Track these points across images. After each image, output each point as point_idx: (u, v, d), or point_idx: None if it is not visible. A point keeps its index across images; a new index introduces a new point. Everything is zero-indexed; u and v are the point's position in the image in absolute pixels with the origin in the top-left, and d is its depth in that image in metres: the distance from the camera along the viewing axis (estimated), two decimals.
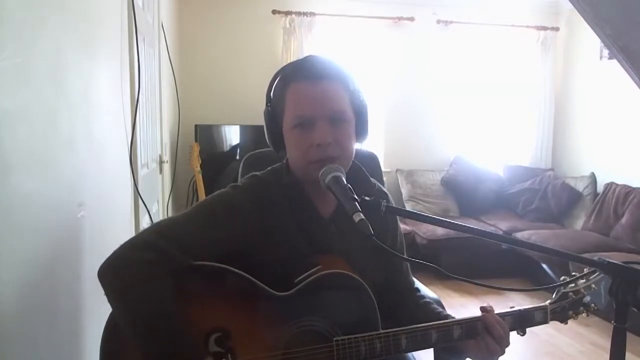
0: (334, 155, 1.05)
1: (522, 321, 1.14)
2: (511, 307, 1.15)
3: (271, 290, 1.03)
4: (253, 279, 1.02)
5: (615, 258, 0.93)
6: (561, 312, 1.18)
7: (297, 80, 1.07)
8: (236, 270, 1.02)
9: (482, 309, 1.10)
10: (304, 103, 1.06)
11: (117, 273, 0.97)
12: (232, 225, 1.07)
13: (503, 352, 1.08)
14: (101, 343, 0.98)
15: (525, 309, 1.15)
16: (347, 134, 1.09)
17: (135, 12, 1.83)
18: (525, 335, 1.15)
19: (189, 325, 0.96)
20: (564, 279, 1.17)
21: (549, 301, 1.19)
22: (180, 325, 0.94)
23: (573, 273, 1.18)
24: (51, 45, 1.12)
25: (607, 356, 0.94)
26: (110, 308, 0.97)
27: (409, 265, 1.30)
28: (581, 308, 1.19)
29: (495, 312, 1.11)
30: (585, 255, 0.98)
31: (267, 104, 1.13)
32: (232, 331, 1.00)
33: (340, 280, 1.06)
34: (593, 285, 1.17)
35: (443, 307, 1.26)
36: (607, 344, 0.95)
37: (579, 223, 4.47)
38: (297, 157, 1.10)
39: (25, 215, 0.96)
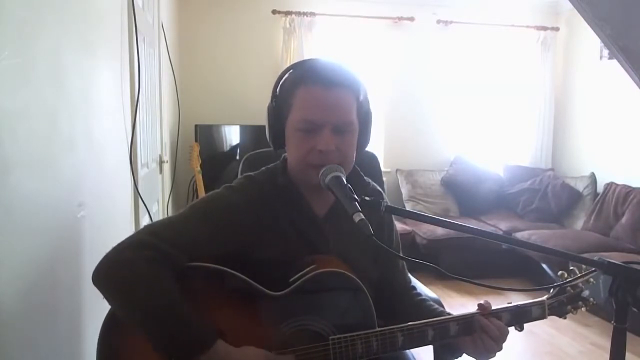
0: (335, 162, 1.05)
1: (519, 317, 1.14)
2: (509, 303, 1.15)
3: (266, 290, 1.03)
4: (247, 279, 1.02)
5: (615, 258, 0.93)
6: (559, 307, 1.18)
7: (309, 83, 1.05)
8: (230, 271, 1.01)
9: (480, 306, 1.11)
10: (313, 108, 1.04)
11: (116, 272, 0.96)
12: (226, 225, 1.06)
13: (500, 349, 1.08)
14: (98, 344, 0.98)
15: (522, 304, 1.15)
16: (350, 143, 1.09)
17: (135, 12, 1.83)
18: (526, 335, 1.15)
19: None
20: (562, 274, 1.17)
21: (546, 296, 1.19)
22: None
23: (571, 268, 1.18)
24: (51, 45, 1.12)
25: (607, 356, 0.93)
26: (109, 308, 0.97)
27: (405, 264, 1.30)
28: (580, 302, 1.18)
29: (493, 308, 1.11)
30: (585, 255, 0.98)
31: (272, 99, 1.11)
32: (227, 332, 0.99)
33: (335, 278, 1.06)
34: (591, 279, 1.17)
35: (443, 307, 1.25)
36: (607, 344, 0.95)
37: (579, 223, 4.47)
38: (296, 158, 1.09)
39: (25, 215, 0.96)
